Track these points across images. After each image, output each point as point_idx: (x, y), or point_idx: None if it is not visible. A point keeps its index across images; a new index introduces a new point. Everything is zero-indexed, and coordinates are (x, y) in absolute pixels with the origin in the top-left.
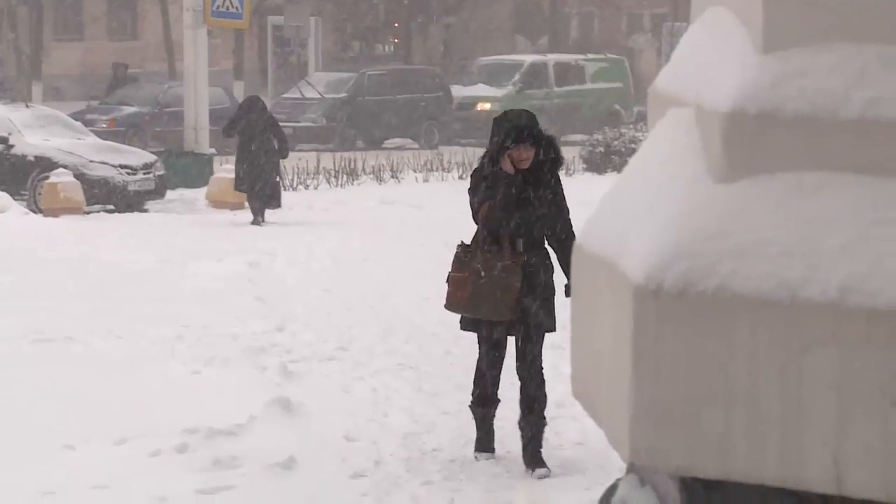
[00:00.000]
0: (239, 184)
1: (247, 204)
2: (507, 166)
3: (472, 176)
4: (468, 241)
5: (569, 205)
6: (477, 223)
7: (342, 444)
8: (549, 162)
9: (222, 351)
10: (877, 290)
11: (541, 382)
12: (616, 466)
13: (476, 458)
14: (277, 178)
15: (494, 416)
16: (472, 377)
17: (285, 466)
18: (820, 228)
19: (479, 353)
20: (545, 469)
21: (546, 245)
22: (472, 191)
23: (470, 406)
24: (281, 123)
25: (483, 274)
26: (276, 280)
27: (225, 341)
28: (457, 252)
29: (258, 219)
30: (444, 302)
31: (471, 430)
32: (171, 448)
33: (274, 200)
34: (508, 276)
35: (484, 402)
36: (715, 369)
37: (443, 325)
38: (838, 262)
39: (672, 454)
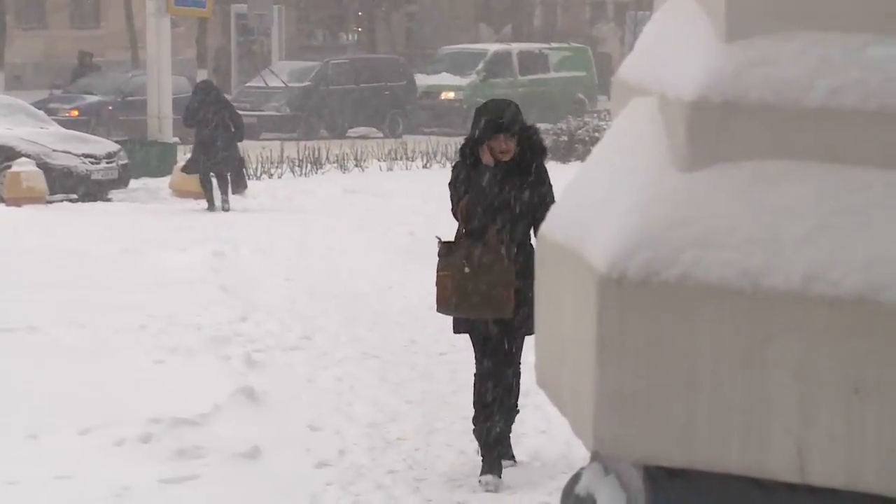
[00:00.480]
0: (190, 167)
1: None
2: (486, 158)
3: (452, 169)
4: (444, 237)
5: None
6: (457, 219)
7: (306, 434)
8: (530, 153)
9: (186, 340)
10: (840, 278)
11: (518, 375)
12: (580, 455)
13: (480, 482)
14: (241, 163)
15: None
16: (467, 396)
17: (249, 456)
18: (783, 217)
19: (476, 362)
20: (510, 461)
21: (533, 241)
22: (453, 185)
23: (473, 431)
24: (245, 112)
25: (467, 270)
26: (240, 269)
27: (189, 331)
28: (438, 251)
29: (213, 206)
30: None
31: (436, 420)
32: (135, 438)
33: (240, 185)
34: (501, 272)
35: (487, 418)
36: (678, 358)
37: (407, 314)
38: (801, 250)
39: (636, 443)
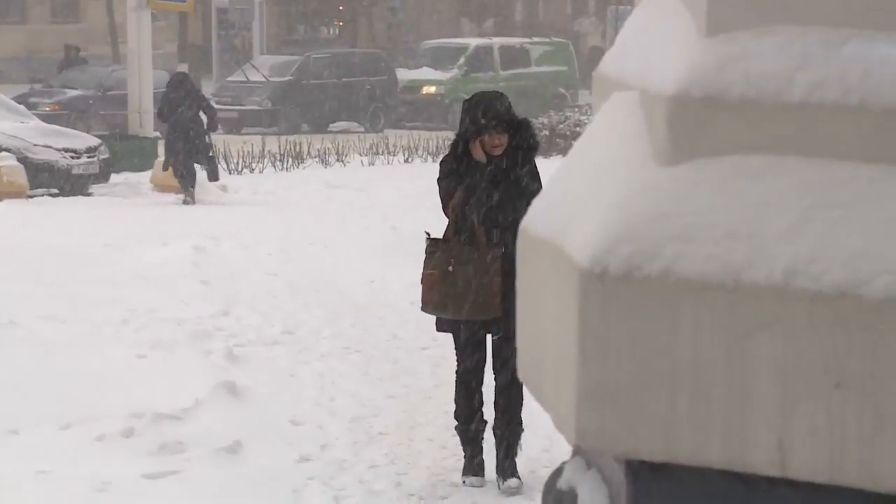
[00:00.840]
0: (167, 164)
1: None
2: (478, 154)
3: (440, 164)
4: (434, 234)
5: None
6: (447, 216)
7: (288, 428)
8: (523, 148)
9: (168, 335)
10: (820, 272)
11: (518, 386)
12: (562, 449)
13: (464, 482)
14: (211, 154)
15: (483, 435)
16: (449, 391)
17: (231, 451)
18: (764, 211)
19: (458, 362)
20: (518, 480)
21: None
22: (442, 181)
23: (455, 428)
24: (226, 107)
25: (451, 269)
26: (222, 264)
27: (170, 325)
28: (425, 248)
29: (188, 198)
30: (419, 303)
31: (418, 414)
32: (117, 432)
33: (213, 175)
34: (488, 271)
35: (469, 418)
36: (660, 352)
37: (389, 309)
38: (783, 245)
39: (618, 437)
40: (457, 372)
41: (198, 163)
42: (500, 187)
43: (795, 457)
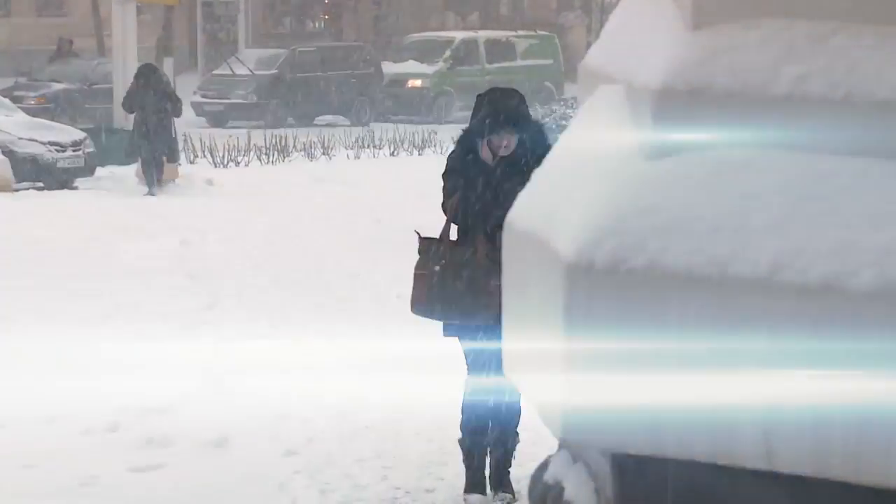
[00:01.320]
0: (128, 152)
1: (176, 181)
2: (484, 153)
3: (448, 158)
4: (425, 231)
5: None
6: (446, 214)
7: (274, 422)
8: (533, 151)
9: (153, 329)
10: (806, 266)
11: (517, 395)
12: (548, 443)
13: (465, 500)
14: (174, 136)
15: (488, 447)
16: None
17: (217, 444)
18: (749, 205)
19: (468, 368)
20: (510, 496)
21: None
22: (446, 176)
23: (459, 441)
24: (211, 100)
25: (437, 268)
26: (208, 257)
27: (156, 319)
28: (418, 247)
29: (153, 189)
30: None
31: (406, 408)
32: (103, 426)
33: (174, 158)
34: (485, 276)
35: (475, 431)
36: (646, 346)
37: (374, 302)
38: (768, 238)
39: (603, 431)
40: (466, 388)
41: (161, 154)
42: (503, 189)
43: (781, 450)
